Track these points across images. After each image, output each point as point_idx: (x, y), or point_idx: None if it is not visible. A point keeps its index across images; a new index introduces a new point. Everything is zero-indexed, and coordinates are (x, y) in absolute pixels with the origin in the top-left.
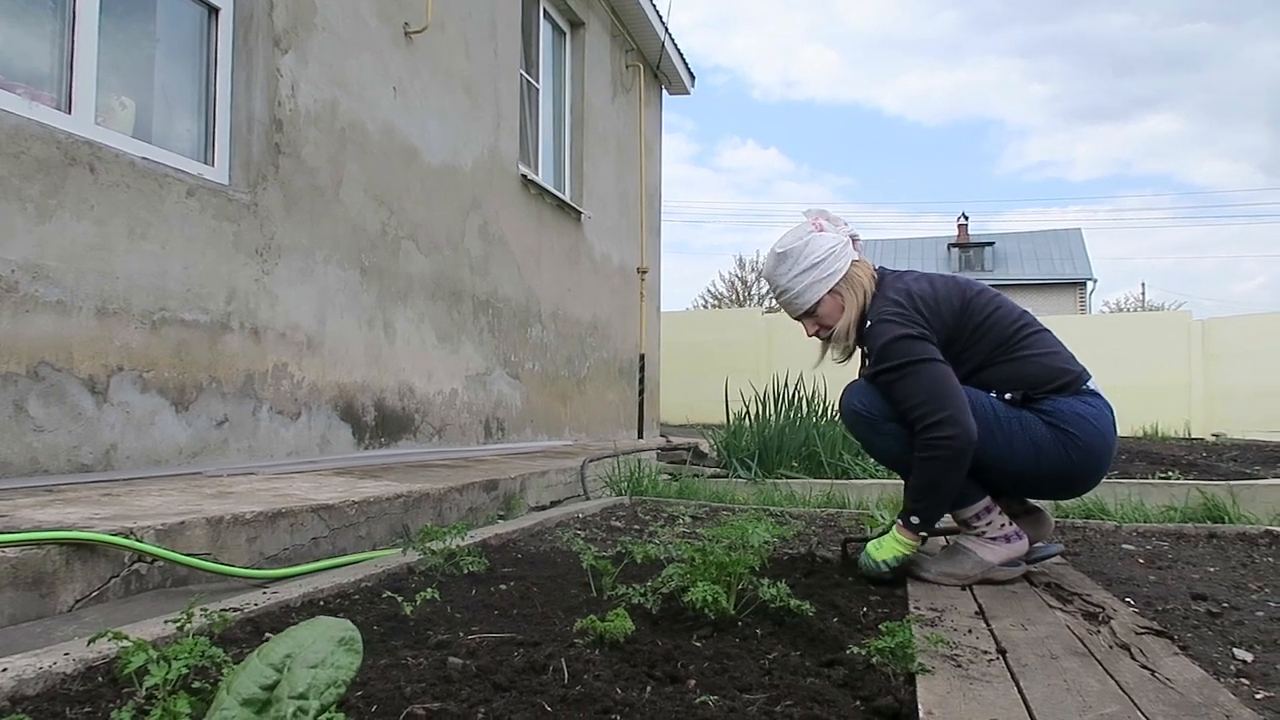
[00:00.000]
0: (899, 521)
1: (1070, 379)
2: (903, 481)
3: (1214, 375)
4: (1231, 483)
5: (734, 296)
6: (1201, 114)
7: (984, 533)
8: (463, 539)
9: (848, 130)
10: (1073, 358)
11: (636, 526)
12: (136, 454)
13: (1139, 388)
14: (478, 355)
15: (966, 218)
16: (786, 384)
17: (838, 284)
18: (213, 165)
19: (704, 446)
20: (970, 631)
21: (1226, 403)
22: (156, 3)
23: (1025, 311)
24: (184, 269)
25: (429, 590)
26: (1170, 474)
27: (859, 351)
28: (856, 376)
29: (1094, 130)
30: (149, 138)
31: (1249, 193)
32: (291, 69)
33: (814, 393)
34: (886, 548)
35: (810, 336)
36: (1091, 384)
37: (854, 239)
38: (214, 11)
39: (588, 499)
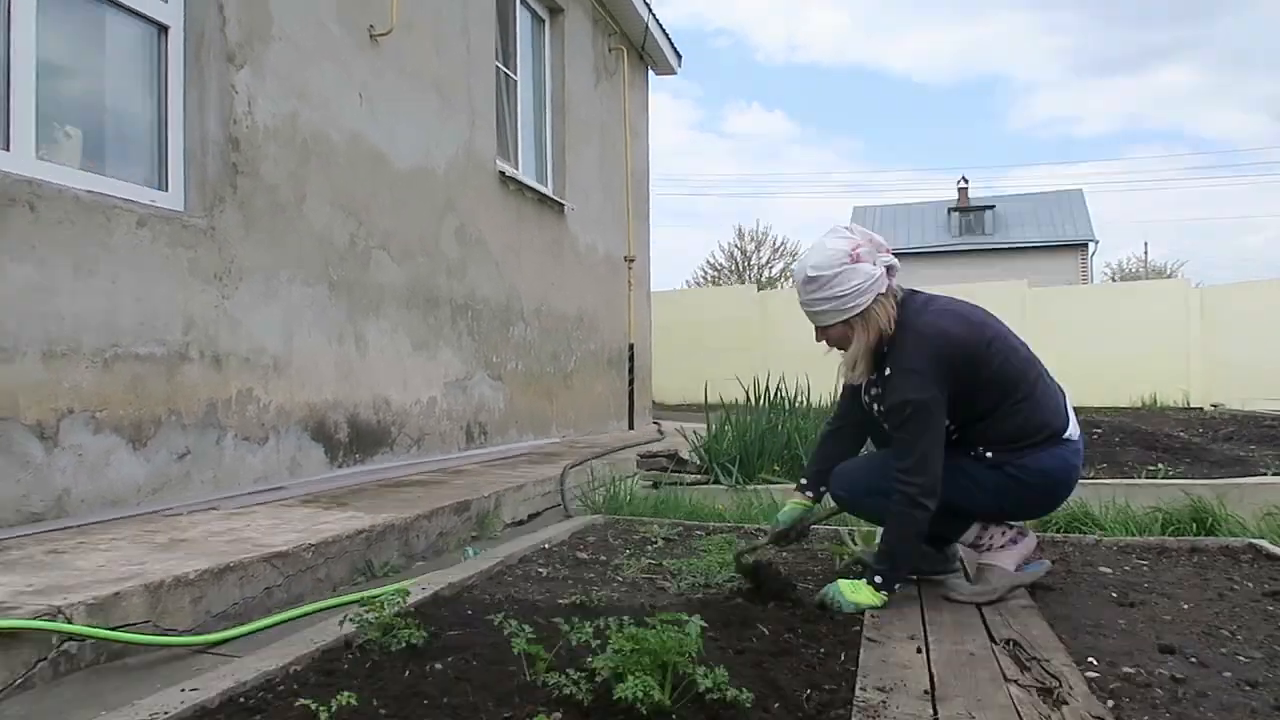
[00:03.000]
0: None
1: (1051, 432)
2: None
3: (1213, 343)
4: (1217, 482)
5: (733, 267)
6: (1218, 63)
7: (992, 545)
8: (404, 601)
9: (854, 92)
10: (1060, 405)
11: (604, 557)
12: (91, 497)
13: (1138, 357)
14: (457, 360)
15: (967, 181)
16: (768, 386)
17: (853, 318)
18: (166, 190)
19: (683, 452)
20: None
21: (1226, 371)
22: (103, 25)
23: (1029, 358)
24: (136, 302)
25: (345, 695)
26: (1158, 468)
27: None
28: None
29: (1105, 84)
30: (99, 167)
31: (1260, 150)
32: (247, 84)
33: (798, 388)
34: (863, 595)
35: (817, 341)
36: (1070, 429)
37: (890, 269)
38: (163, 30)
39: (567, 514)
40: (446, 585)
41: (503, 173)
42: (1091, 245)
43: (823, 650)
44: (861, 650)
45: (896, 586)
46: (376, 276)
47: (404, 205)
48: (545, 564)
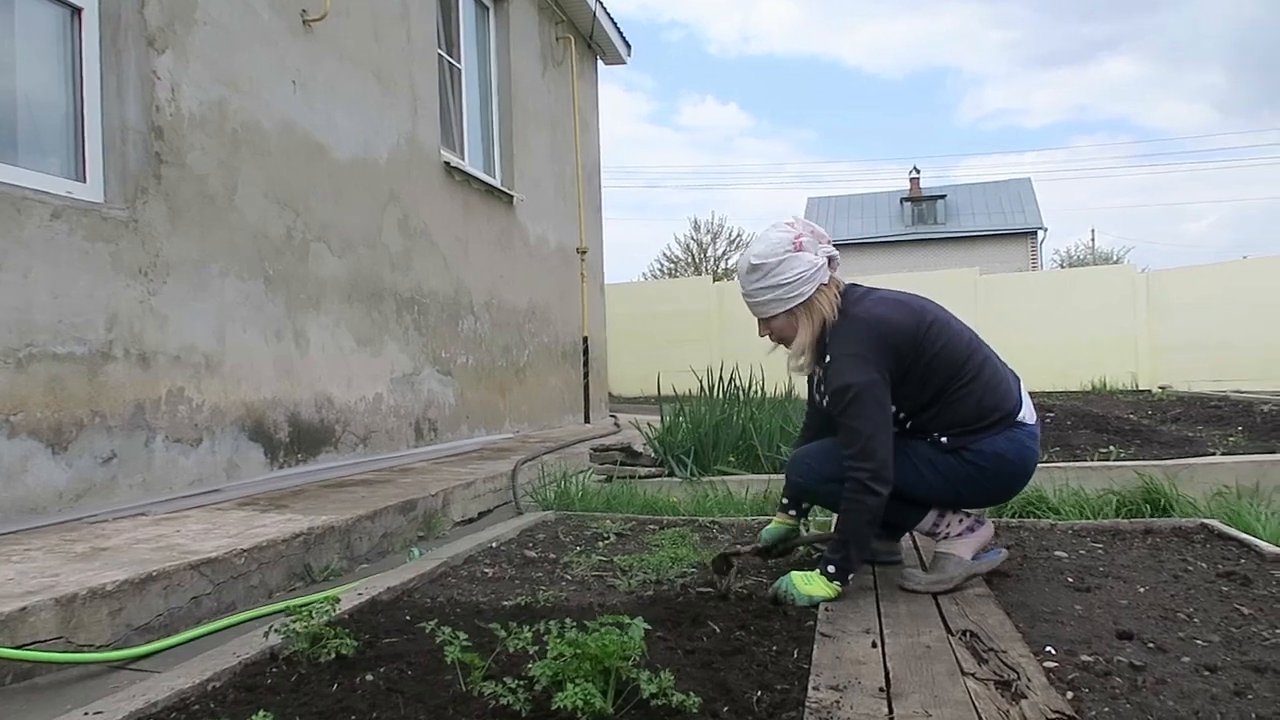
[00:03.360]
0: (826, 576)
1: (1003, 414)
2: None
3: (1159, 327)
4: (1168, 463)
5: (689, 260)
6: (1160, 55)
7: (949, 533)
8: (334, 609)
9: (807, 84)
10: (1011, 388)
11: (553, 555)
12: (7, 505)
13: (1088, 341)
14: (403, 355)
15: (918, 171)
16: (722, 377)
17: (796, 307)
18: (84, 181)
19: (637, 445)
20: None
21: (1171, 354)
22: (11, 6)
23: (973, 341)
24: (53, 298)
25: (263, 715)
26: (1110, 450)
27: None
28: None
29: (1052, 76)
30: (10, 156)
31: (1202, 136)
32: (170, 70)
33: (752, 378)
34: (816, 587)
35: (761, 336)
36: (1023, 413)
37: (831, 260)
38: (76, 12)
39: (519, 511)
40: (385, 590)
41: (448, 163)
42: (1041, 233)
43: (775, 648)
44: (815, 646)
45: (850, 577)
46: (316, 270)
47: (344, 196)
48: (492, 564)
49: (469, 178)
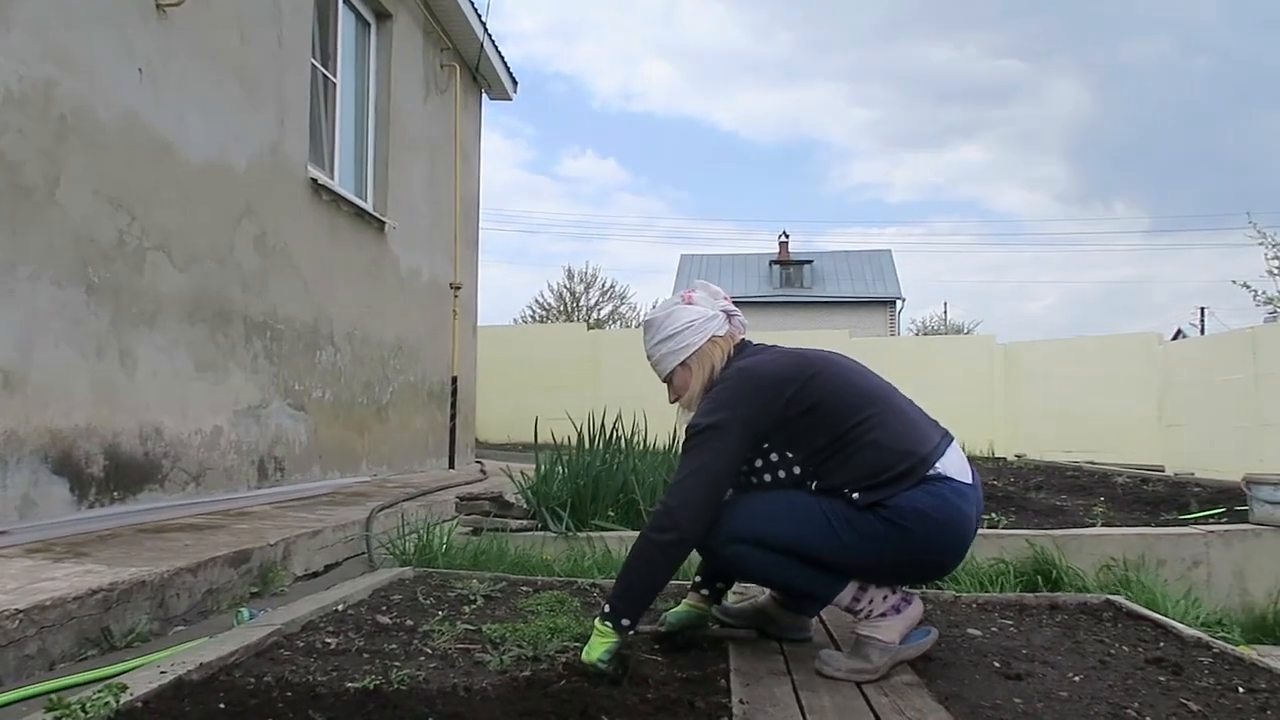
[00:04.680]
0: (599, 617)
1: (911, 464)
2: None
3: (1015, 396)
4: (1057, 533)
5: (562, 308)
6: (1007, 145)
7: (871, 611)
8: (115, 702)
9: (684, 144)
10: (923, 435)
11: (410, 621)
12: None
13: (949, 407)
14: (250, 385)
15: (787, 236)
16: (603, 422)
17: (689, 358)
18: None
19: (509, 495)
20: None
21: (1026, 422)
22: None
23: (877, 390)
24: None
25: None
26: (993, 516)
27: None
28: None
29: (911, 156)
30: None
31: (1044, 221)
32: None
33: (634, 427)
34: (593, 646)
35: (671, 403)
36: (942, 464)
37: (729, 314)
38: None
39: (373, 565)
40: (196, 666)
41: (315, 180)
42: (899, 302)
43: None
44: None
45: (625, 624)
46: (153, 283)
47: (192, 204)
48: (336, 632)
49: (338, 198)
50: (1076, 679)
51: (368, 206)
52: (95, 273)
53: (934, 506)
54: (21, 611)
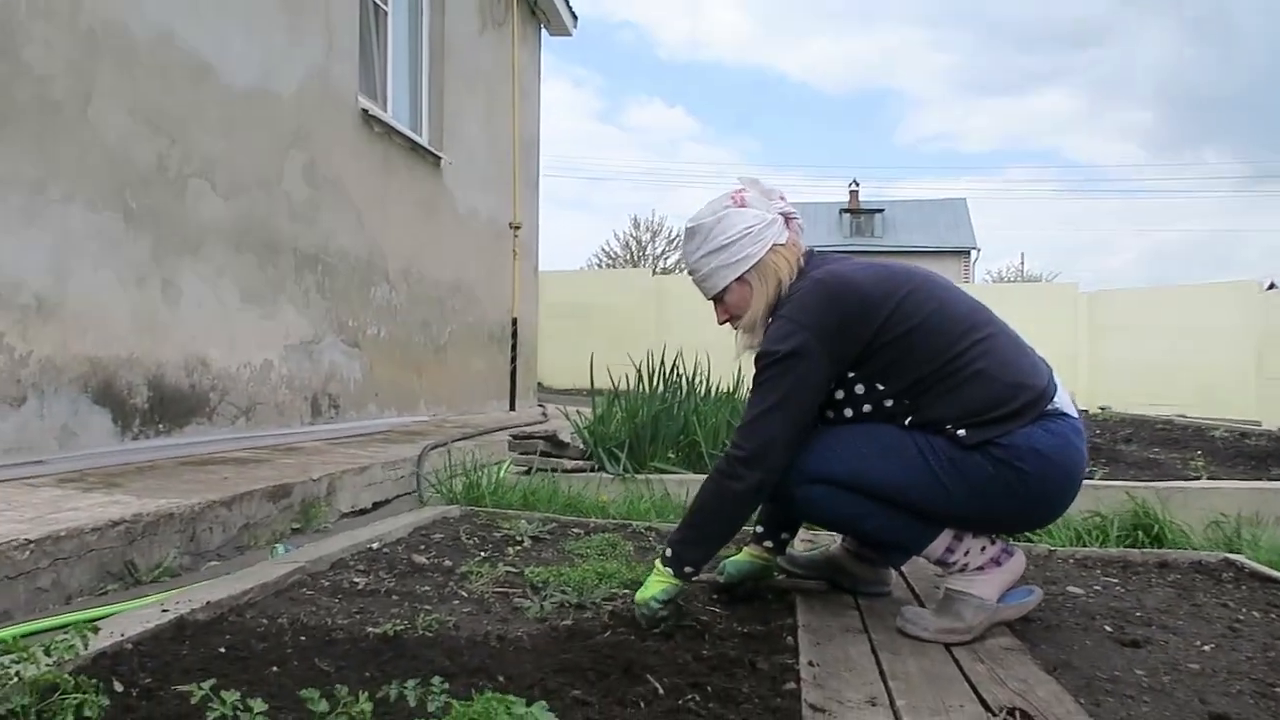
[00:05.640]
0: (659, 560)
1: (1029, 399)
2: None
3: (1098, 348)
4: (1160, 485)
5: (629, 257)
6: (1092, 90)
7: (966, 565)
8: (83, 646)
9: (753, 94)
10: (1035, 366)
11: (449, 562)
12: None
13: None
14: (302, 320)
15: (858, 184)
16: (663, 361)
17: (747, 271)
18: None
19: (564, 435)
20: None
21: (1109, 375)
22: None
23: (977, 312)
24: None
25: None
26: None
27: None
28: None
29: (989, 103)
30: None
31: (1130, 168)
32: None
33: (696, 368)
34: (648, 585)
35: (721, 324)
36: (1058, 399)
37: (788, 217)
38: None
39: (422, 503)
40: (202, 605)
41: (366, 111)
42: (974, 252)
43: None
44: None
45: (689, 570)
46: (195, 210)
47: (236, 130)
48: (366, 571)
49: (391, 131)
50: (1206, 648)
51: (423, 141)
52: (133, 197)
53: (1053, 446)
54: (33, 542)
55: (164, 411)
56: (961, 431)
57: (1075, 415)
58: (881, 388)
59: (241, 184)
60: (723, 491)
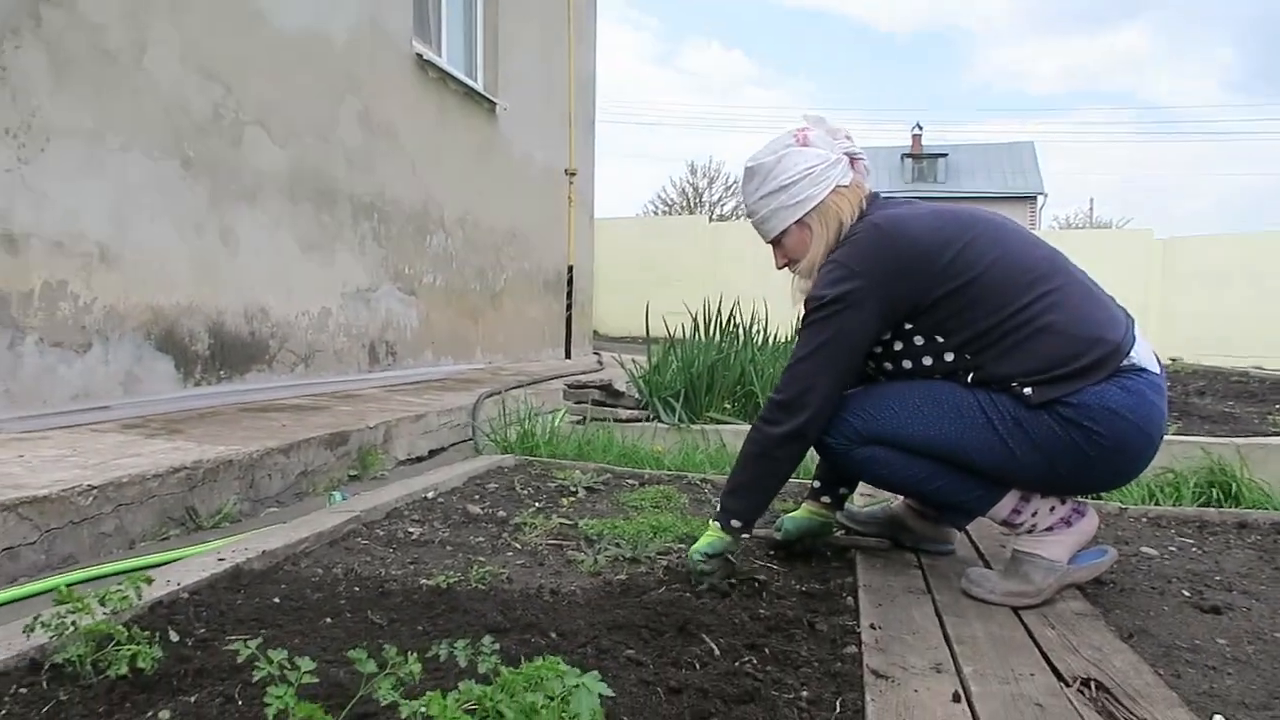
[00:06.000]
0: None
1: (1103, 354)
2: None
3: (1171, 296)
4: (1241, 441)
5: (685, 203)
6: (1172, 27)
7: (1034, 526)
8: (138, 596)
9: (813, 35)
10: (1112, 318)
11: (503, 512)
12: None
13: None
14: (358, 267)
15: (921, 128)
16: (720, 310)
17: (807, 214)
18: None
19: (619, 384)
20: None
21: (1182, 324)
22: None
23: (1047, 259)
24: None
25: None
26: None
27: None
28: None
29: (1060, 42)
30: None
31: (1209, 109)
32: None
33: (753, 316)
34: (702, 539)
35: (779, 268)
36: (1135, 353)
37: (853, 157)
38: None
39: (478, 451)
40: (259, 554)
41: (420, 55)
42: (1041, 198)
43: (805, 693)
44: (866, 695)
45: (736, 524)
46: (251, 158)
47: (290, 76)
48: (421, 520)
49: (446, 76)
50: None
51: (478, 86)
52: (190, 146)
53: (1129, 405)
54: (96, 488)
55: (225, 359)
56: (1028, 390)
57: (1156, 370)
58: (941, 340)
59: (296, 132)
60: (762, 437)
